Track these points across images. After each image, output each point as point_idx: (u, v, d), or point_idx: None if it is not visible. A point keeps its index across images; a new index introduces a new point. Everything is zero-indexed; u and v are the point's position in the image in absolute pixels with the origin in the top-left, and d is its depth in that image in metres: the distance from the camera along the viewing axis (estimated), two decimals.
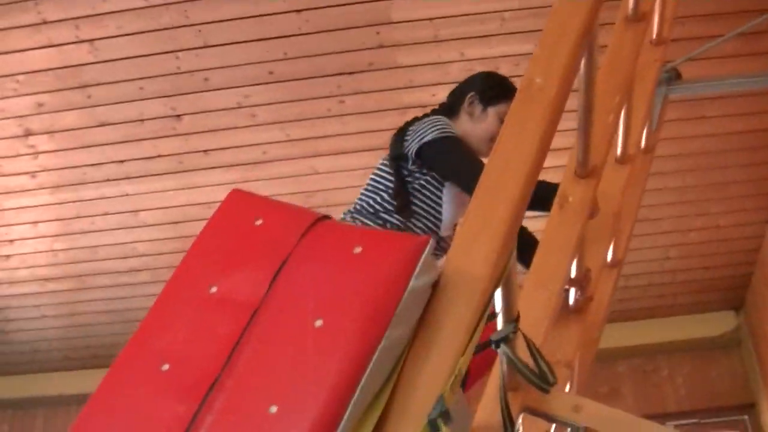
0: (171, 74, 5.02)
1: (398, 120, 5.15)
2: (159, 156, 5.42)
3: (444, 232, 3.18)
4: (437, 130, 3.06)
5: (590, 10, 2.00)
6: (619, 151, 3.36)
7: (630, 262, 6.20)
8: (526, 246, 2.95)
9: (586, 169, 2.58)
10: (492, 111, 3.23)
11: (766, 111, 5.38)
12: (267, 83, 5.06)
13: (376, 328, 1.56)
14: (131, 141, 5.34)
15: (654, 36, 3.74)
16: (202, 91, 5.10)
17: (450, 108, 3.32)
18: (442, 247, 3.24)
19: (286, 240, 1.69)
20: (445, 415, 1.56)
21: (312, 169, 5.52)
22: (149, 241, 5.92)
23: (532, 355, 2.11)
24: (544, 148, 1.84)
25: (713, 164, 5.72)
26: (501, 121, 3.09)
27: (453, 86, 5.03)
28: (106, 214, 5.75)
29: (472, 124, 3.24)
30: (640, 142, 3.54)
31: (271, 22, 4.85)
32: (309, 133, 5.30)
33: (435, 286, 1.68)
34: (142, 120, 5.23)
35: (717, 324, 6.73)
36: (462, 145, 3.05)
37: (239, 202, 1.82)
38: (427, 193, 3.08)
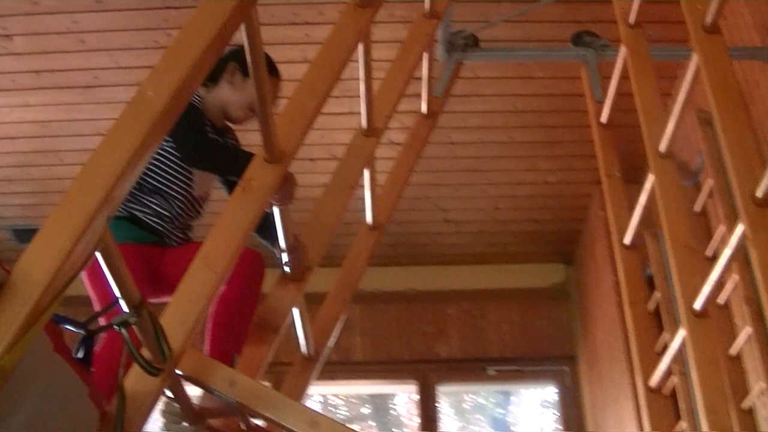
0: None
1: None
2: None
3: (198, 191, 3.38)
4: None
5: (220, 30, 2.10)
6: (364, 123, 3.50)
7: (459, 209, 6.42)
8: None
9: (273, 155, 2.69)
10: (251, 81, 3.39)
11: None
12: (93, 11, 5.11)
13: None
14: None
15: (427, 9, 3.86)
16: (31, 14, 5.13)
17: (211, 76, 3.44)
18: (197, 210, 3.43)
19: None
20: None
21: None
22: None
23: (156, 336, 2.25)
24: (136, 162, 1.94)
25: (541, 123, 5.88)
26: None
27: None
28: None
29: (232, 92, 3.46)
30: (391, 113, 3.66)
31: None
32: (139, 63, 5.36)
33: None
34: None
35: (547, 275, 6.97)
36: (191, 114, 3.17)
37: None
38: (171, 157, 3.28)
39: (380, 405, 7.69)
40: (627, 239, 3.98)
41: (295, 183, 2.94)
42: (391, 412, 7.70)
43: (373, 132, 3.53)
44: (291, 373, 3.57)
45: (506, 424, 7.50)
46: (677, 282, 3.31)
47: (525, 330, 6.84)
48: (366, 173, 3.65)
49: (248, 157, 2.88)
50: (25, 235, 6.16)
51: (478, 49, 4.54)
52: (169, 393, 2.56)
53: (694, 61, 3.19)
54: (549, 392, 7.03)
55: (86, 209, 1.85)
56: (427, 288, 6.93)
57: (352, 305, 6.76)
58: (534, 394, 7.36)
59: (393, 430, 7.54)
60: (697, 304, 3.21)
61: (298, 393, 3.52)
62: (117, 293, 2.06)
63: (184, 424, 2.78)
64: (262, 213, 2.89)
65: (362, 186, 3.75)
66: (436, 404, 6.71)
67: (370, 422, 7.66)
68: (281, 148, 2.70)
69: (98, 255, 1.96)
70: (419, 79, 4.19)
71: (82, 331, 2.13)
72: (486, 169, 6.22)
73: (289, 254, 3.11)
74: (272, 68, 3.33)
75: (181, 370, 2.55)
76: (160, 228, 3.31)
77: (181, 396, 2.62)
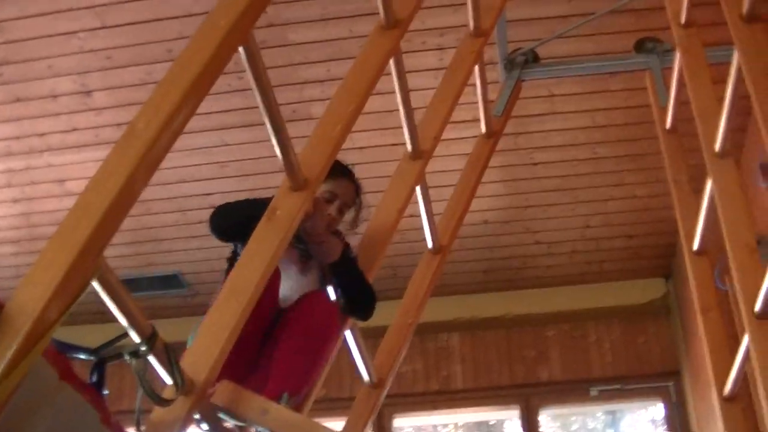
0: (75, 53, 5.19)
1: (298, 95, 5.32)
2: (75, 129, 5.62)
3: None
4: None
5: (212, 57, 2.14)
6: (409, 147, 3.49)
7: (551, 230, 6.33)
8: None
9: (297, 183, 2.68)
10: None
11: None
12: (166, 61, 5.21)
13: None
14: (47, 116, 5.54)
15: (471, 28, 3.83)
16: (107, 69, 5.28)
17: None
18: None
19: None
20: None
21: (222, 141, 5.70)
22: None
23: (170, 365, 2.26)
24: (129, 193, 1.98)
25: (624, 136, 5.78)
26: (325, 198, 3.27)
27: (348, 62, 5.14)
28: (32, 183, 5.99)
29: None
30: (440, 135, 3.63)
31: (167, 2, 4.99)
32: (214, 107, 5.45)
33: None
34: (54, 96, 5.43)
35: (646, 291, 6.82)
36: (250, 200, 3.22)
37: None
38: None
39: None
40: (695, 245, 3.87)
41: (324, 209, 2.92)
42: None
43: (419, 155, 3.51)
44: (355, 402, 3.55)
45: None
46: (737, 283, 3.21)
47: (627, 348, 6.70)
48: (419, 195, 3.63)
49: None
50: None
51: (538, 65, 4.50)
52: (205, 426, 2.57)
53: (737, 52, 3.11)
54: (658, 410, 6.85)
55: (78, 241, 1.90)
56: (524, 312, 6.86)
57: (451, 333, 6.82)
58: (642, 413, 7.18)
59: None
60: (758, 306, 3.09)
61: (363, 421, 3.49)
62: (125, 324, 2.09)
63: None
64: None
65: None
66: (540, 428, 6.61)
67: None
68: (305, 176, 2.69)
69: (96, 285, 1.99)
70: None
71: (93, 358, 2.17)
72: (573, 187, 6.13)
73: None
74: (337, 170, 3.26)
75: (215, 401, 2.57)
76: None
77: (219, 429, 2.63)
